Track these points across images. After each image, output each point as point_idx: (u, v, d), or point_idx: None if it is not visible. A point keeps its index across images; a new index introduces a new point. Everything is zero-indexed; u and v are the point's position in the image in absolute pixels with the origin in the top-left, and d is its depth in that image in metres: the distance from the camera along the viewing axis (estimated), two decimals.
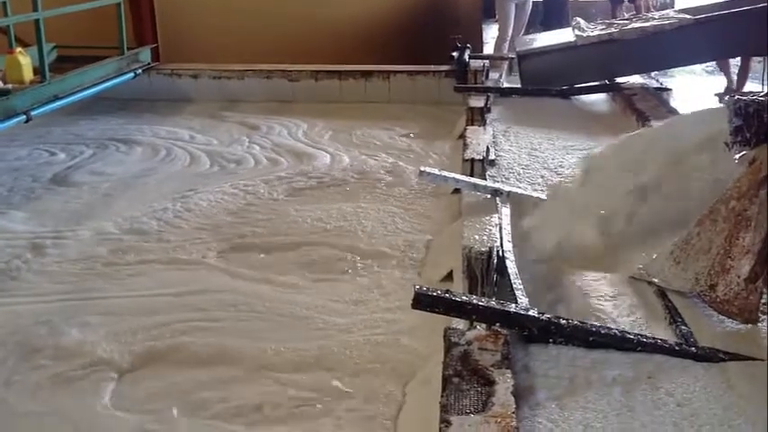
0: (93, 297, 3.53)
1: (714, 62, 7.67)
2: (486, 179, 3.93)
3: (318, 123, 6.52)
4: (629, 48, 5.83)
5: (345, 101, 7.19)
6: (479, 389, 2.04)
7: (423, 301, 2.30)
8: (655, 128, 4.14)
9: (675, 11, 6.77)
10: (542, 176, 4.18)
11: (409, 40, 7.88)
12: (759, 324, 2.50)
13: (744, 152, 2.65)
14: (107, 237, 4.21)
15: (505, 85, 7.07)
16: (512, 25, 8.32)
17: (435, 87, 7.13)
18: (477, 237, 3.08)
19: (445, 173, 3.90)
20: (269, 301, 3.45)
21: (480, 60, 7.19)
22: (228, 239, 4.14)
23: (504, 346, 2.24)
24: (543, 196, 3.73)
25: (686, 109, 4.74)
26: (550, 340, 2.34)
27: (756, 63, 7.39)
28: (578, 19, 6.53)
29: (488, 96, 5.91)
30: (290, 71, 7.39)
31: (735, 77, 7.32)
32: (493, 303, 2.37)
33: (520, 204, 3.65)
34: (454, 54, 7.04)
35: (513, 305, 2.43)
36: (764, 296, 2.52)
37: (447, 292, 2.34)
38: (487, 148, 4.38)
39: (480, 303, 2.33)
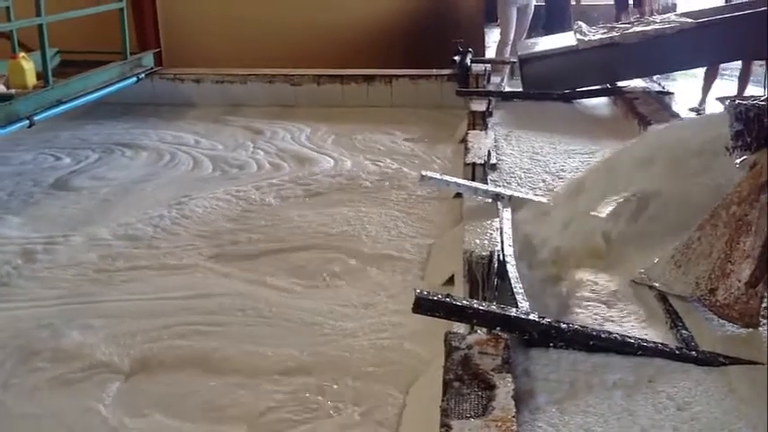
0: (88, 302, 3.52)
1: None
2: (487, 183, 3.94)
3: (321, 127, 6.54)
4: (630, 51, 5.83)
5: (348, 105, 7.22)
6: (480, 393, 2.04)
7: (423, 306, 2.31)
8: (656, 132, 4.14)
9: (677, 14, 6.78)
10: (544, 180, 4.18)
11: (411, 45, 7.89)
12: (759, 328, 2.50)
13: (744, 157, 2.66)
14: (98, 242, 4.19)
15: (507, 89, 7.07)
16: (513, 29, 8.33)
17: (437, 91, 7.14)
18: (477, 241, 3.09)
19: (446, 177, 3.91)
20: (274, 305, 3.45)
21: (482, 64, 7.20)
22: (233, 244, 4.14)
23: (504, 350, 2.24)
24: (545, 200, 3.74)
25: (687, 113, 4.76)
26: (551, 344, 2.34)
27: (758, 67, 7.39)
28: (580, 23, 6.54)
29: (490, 100, 5.93)
30: (293, 75, 7.41)
31: (709, 92, 7.32)
32: (493, 307, 2.37)
33: (521, 208, 3.66)
34: (456, 58, 7.05)
35: (514, 309, 2.43)
36: (765, 300, 2.52)
37: (447, 296, 2.34)
38: (489, 152, 4.39)
39: (481, 307, 2.34)
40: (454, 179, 3.90)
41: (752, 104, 2.63)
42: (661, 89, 6.34)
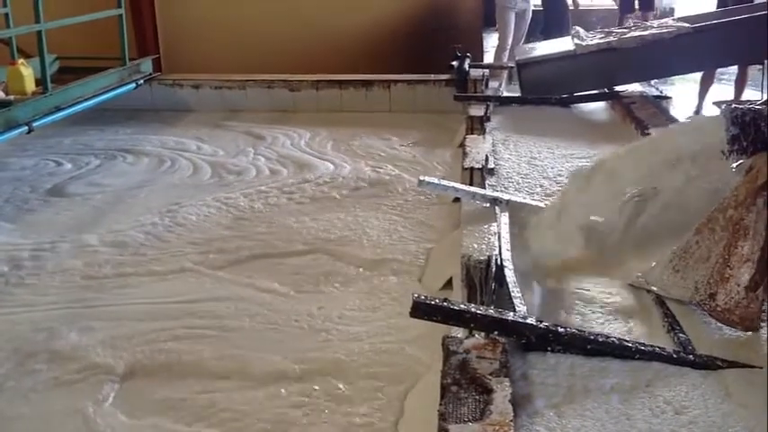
0: (85, 306, 3.53)
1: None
2: (485, 188, 3.95)
3: (320, 133, 6.55)
4: (628, 56, 5.84)
5: (346, 110, 7.22)
6: (477, 397, 2.04)
7: (421, 310, 2.31)
8: (653, 136, 4.15)
9: (674, 19, 6.80)
10: (541, 185, 4.18)
11: (409, 50, 7.90)
12: (759, 332, 2.51)
13: (741, 161, 2.67)
14: (87, 249, 4.18)
15: (505, 93, 7.09)
16: (512, 34, 8.36)
17: (435, 96, 7.15)
18: (475, 245, 3.09)
19: (444, 182, 3.91)
20: (274, 310, 3.45)
21: (480, 69, 7.21)
22: (236, 249, 4.14)
23: (502, 354, 2.24)
24: (542, 204, 3.74)
25: (685, 117, 4.76)
26: (549, 348, 2.34)
27: (756, 71, 7.41)
28: (577, 28, 6.55)
29: (488, 105, 5.93)
30: (291, 81, 7.41)
31: (706, 96, 7.34)
32: (491, 312, 2.38)
33: (519, 213, 3.66)
34: (454, 63, 7.07)
35: (512, 313, 2.43)
36: (765, 304, 2.53)
37: (445, 300, 2.34)
38: (487, 156, 4.40)
39: (478, 312, 2.34)
40: (453, 184, 3.91)
41: (748, 109, 2.63)
42: (659, 93, 6.35)
